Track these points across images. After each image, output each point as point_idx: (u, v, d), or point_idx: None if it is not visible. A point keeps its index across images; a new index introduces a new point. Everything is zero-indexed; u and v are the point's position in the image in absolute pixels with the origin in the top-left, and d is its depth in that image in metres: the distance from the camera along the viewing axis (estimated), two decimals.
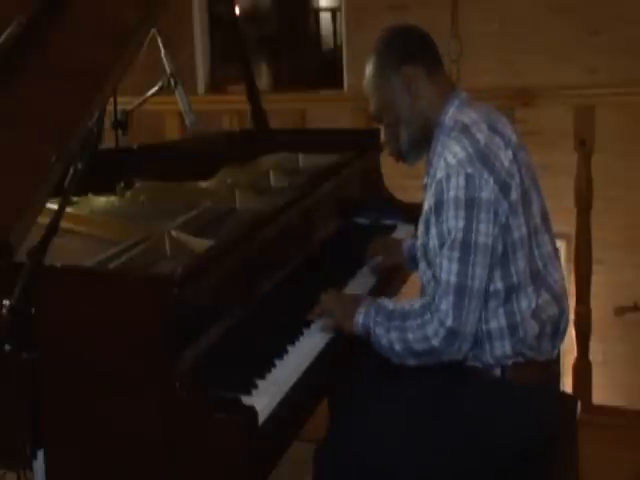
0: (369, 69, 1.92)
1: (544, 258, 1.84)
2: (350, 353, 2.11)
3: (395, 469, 1.75)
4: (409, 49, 1.90)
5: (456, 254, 1.71)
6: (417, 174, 3.69)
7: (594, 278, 3.18)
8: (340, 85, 5.99)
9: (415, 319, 1.75)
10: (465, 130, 1.78)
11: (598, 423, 2.93)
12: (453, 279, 1.70)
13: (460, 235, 1.70)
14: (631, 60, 4.95)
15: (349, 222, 2.61)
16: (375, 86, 1.91)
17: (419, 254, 1.92)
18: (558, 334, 1.87)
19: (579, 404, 2.13)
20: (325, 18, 6.86)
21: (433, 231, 1.76)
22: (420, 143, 1.91)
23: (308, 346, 1.80)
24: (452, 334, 1.70)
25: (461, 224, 1.70)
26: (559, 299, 1.86)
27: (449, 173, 1.72)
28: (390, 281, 2.36)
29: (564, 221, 3.12)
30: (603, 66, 5.06)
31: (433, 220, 1.76)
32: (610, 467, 2.69)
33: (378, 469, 1.75)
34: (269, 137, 2.96)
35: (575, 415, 2.06)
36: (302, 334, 1.84)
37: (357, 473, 1.76)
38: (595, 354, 3.29)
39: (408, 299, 1.87)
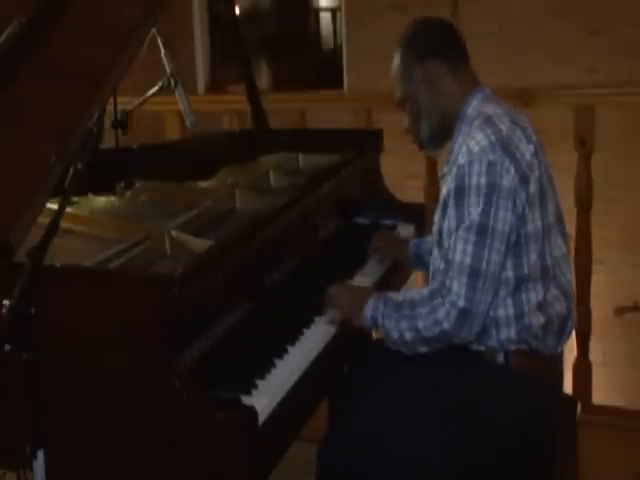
0: (396, 59, 1.95)
1: (556, 258, 1.86)
2: (350, 353, 2.12)
3: (398, 463, 1.76)
4: (434, 43, 1.93)
5: (472, 237, 1.73)
6: (417, 174, 3.68)
7: (594, 278, 3.18)
8: (340, 85, 5.99)
9: (424, 306, 1.76)
10: (488, 120, 1.81)
11: (598, 423, 2.93)
12: (468, 260, 1.72)
13: (478, 219, 1.73)
14: (631, 60, 4.95)
15: (349, 222, 2.61)
16: (399, 76, 1.94)
17: (434, 239, 1.94)
18: (564, 332, 1.88)
19: (579, 404, 2.13)
20: (325, 18, 6.85)
21: (451, 213, 1.78)
22: (441, 134, 1.95)
23: (308, 346, 1.80)
24: (464, 315, 1.72)
25: (480, 208, 1.73)
26: (568, 298, 1.88)
27: (471, 159, 1.75)
28: (392, 279, 2.36)
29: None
30: (603, 66, 5.06)
31: (452, 203, 1.78)
32: (610, 467, 2.69)
33: (381, 464, 1.76)
34: (269, 137, 2.96)
35: (575, 415, 2.07)
36: (302, 334, 1.84)
37: (360, 469, 1.77)
38: (595, 354, 3.28)
39: (415, 289, 1.89)
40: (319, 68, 6.81)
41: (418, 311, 1.77)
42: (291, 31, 7.04)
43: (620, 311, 4.96)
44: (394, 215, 2.75)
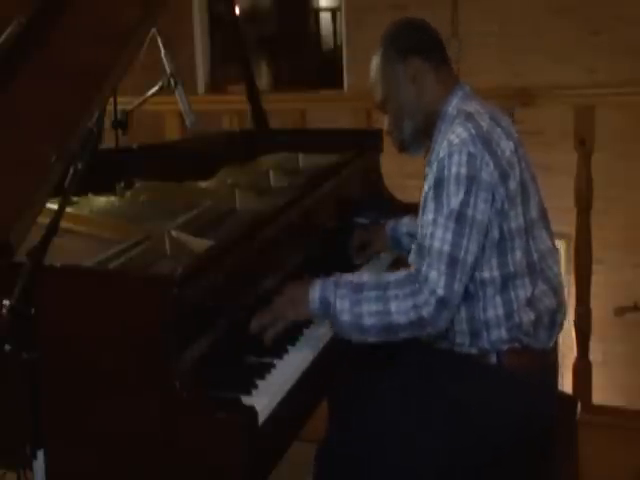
0: (376, 58, 1.94)
1: (541, 252, 1.86)
2: (350, 353, 2.12)
3: (396, 464, 1.77)
4: (417, 41, 1.93)
5: (452, 225, 1.70)
6: (417, 174, 3.67)
7: (594, 278, 3.18)
8: (340, 85, 6.00)
9: (400, 288, 1.69)
10: (469, 117, 1.81)
11: (598, 423, 2.93)
12: (447, 248, 1.69)
13: (458, 207, 1.71)
14: (631, 60, 4.96)
15: (349, 222, 2.61)
16: (381, 75, 1.93)
17: (416, 239, 1.93)
18: (555, 326, 1.88)
19: (579, 404, 2.13)
20: (325, 18, 6.85)
21: (430, 205, 1.75)
22: (423, 134, 1.94)
23: (308, 346, 1.80)
24: (442, 303, 1.67)
25: (460, 197, 1.71)
26: (557, 291, 1.88)
27: (451, 151, 1.74)
28: None
29: (564, 221, 3.12)
30: (603, 66, 5.06)
31: (431, 195, 1.76)
32: (610, 467, 2.69)
33: (380, 465, 1.76)
34: (269, 137, 2.96)
35: (575, 415, 2.07)
36: (302, 334, 1.84)
37: (358, 470, 1.77)
38: (595, 354, 3.29)
39: (382, 274, 1.83)
40: (319, 68, 6.81)
41: (392, 293, 1.69)
42: (291, 31, 7.04)
43: (620, 311, 4.97)
44: (394, 215, 2.75)
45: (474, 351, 1.83)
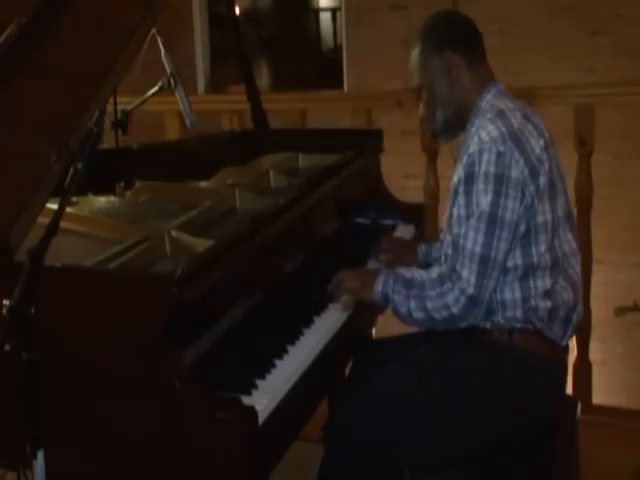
0: (415, 48, 1.99)
1: (565, 252, 1.89)
2: (350, 353, 2.12)
3: (399, 458, 1.79)
4: (454, 36, 1.97)
5: (483, 226, 1.78)
6: (417, 174, 3.67)
7: (594, 278, 3.18)
8: (340, 85, 6.00)
9: (434, 288, 1.82)
10: (500, 113, 1.87)
11: (598, 423, 2.93)
12: (478, 249, 1.78)
13: (488, 209, 1.78)
14: (631, 60, 4.96)
15: (349, 222, 2.61)
16: (418, 65, 1.98)
17: (444, 226, 1.98)
18: (570, 323, 1.91)
19: (579, 404, 2.13)
20: (325, 18, 6.85)
21: (461, 200, 1.82)
22: (455, 124, 1.99)
23: (308, 346, 1.80)
24: (472, 302, 1.78)
25: (490, 198, 1.78)
26: (575, 290, 1.93)
27: (482, 148, 1.80)
28: None
29: None
30: (603, 66, 5.06)
31: (461, 190, 1.83)
32: (610, 467, 2.69)
33: (382, 461, 1.78)
34: (269, 137, 2.96)
35: (575, 415, 2.07)
36: (302, 334, 1.84)
37: (360, 468, 1.78)
38: (595, 354, 3.29)
39: (425, 270, 1.94)
40: (319, 68, 6.81)
41: (427, 293, 1.82)
42: (291, 31, 7.04)
43: (620, 311, 4.96)
44: (394, 215, 2.75)
45: (487, 325, 1.86)
